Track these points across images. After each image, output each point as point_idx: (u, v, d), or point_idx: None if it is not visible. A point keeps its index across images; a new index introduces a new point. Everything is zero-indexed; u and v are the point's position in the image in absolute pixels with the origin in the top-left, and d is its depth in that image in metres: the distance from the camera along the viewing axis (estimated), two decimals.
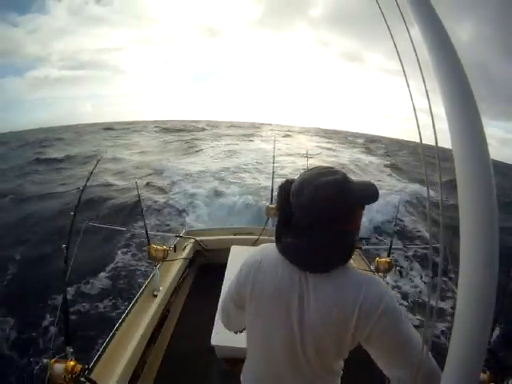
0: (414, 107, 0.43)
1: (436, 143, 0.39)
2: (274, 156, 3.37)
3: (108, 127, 39.99)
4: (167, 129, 34.27)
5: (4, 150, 19.16)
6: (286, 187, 0.79)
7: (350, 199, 0.72)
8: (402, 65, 0.41)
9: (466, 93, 0.38)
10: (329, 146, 25.05)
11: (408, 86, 0.42)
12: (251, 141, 23.25)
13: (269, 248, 0.84)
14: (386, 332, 0.69)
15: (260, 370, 0.88)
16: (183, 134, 27.76)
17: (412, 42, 0.39)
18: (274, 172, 3.28)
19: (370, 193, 0.75)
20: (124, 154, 15.53)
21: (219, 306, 1.01)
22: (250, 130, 36.24)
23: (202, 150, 17.42)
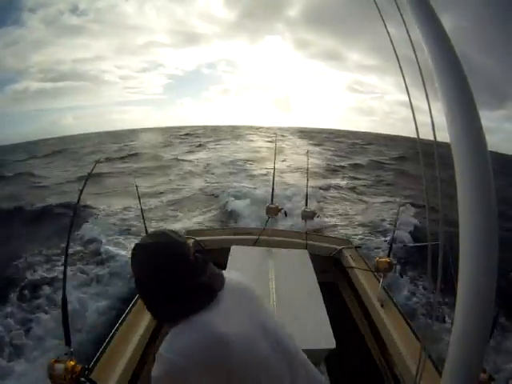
0: (411, 103, 0.43)
1: (435, 138, 0.39)
2: (275, 155, 3.40)
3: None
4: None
5: None
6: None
7: None
8: (398, 62, 0.40)
9: (465, 90, 0.37)
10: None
11: (405, 83, 0.42)
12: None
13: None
14: None
15: None
16: None
17: (411, 39, 0.39)
18: (274, 171, 3.30)
19: None
20: None
21: None
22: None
23: None
